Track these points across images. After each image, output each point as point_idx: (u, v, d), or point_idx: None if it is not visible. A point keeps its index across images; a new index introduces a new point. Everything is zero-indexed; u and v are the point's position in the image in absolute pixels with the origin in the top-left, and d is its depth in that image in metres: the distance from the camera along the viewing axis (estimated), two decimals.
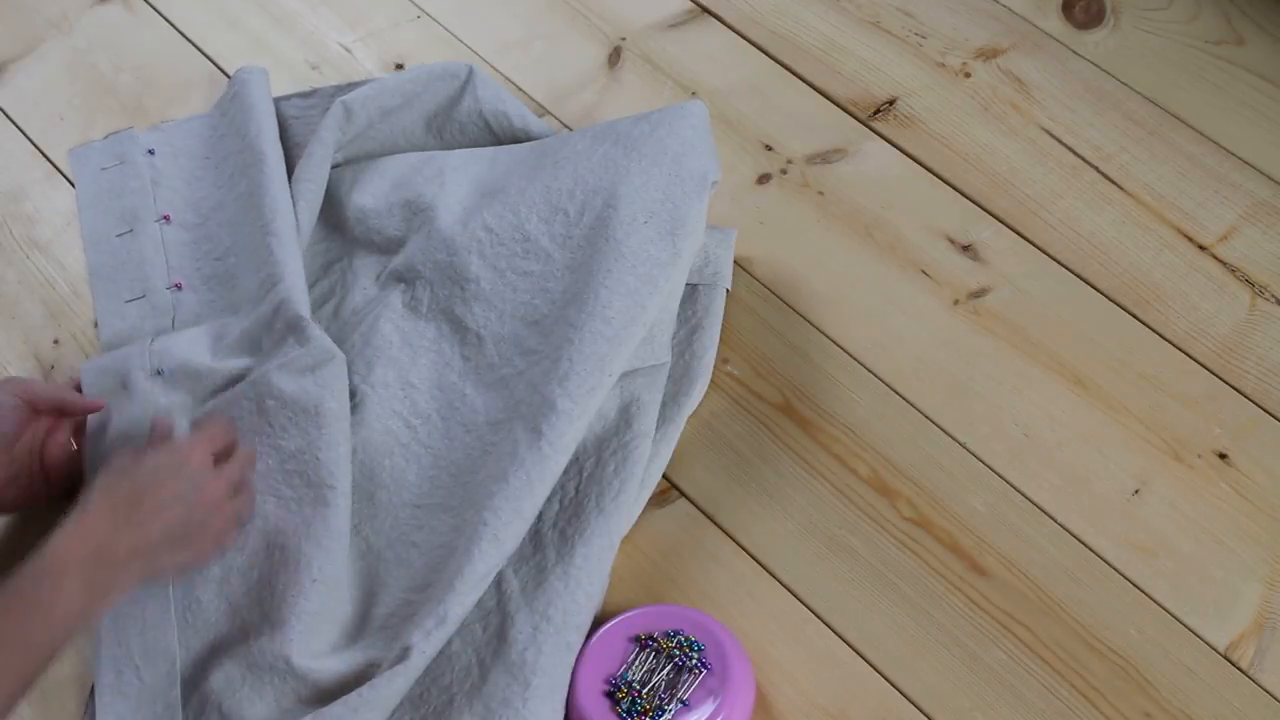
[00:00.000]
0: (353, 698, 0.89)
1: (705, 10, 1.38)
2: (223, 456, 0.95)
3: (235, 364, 1.04)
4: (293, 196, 1.15)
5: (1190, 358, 1.10)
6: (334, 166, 1.21)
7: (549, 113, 1.30)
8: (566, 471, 1.02)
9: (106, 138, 1.28)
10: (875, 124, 1.28)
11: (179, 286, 1.16)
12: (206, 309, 1.14)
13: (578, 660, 0.94)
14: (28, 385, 0.97)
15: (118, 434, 1.01)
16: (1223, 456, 1.05)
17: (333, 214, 1.20)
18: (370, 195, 1.18)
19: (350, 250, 1.18)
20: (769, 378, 1.10)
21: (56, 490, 0.98)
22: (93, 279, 1.17)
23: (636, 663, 0.93)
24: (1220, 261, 1.17)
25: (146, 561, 0.88)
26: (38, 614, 0.81)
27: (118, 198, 1.23)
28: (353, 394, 1.06)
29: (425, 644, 0.91)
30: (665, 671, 0.93)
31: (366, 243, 1.18)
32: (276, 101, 1.26)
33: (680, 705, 0.91)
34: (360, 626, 0.96)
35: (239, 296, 1.13)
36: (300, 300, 1.06)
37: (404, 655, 0.90)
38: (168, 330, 1.12)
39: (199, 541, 0.91)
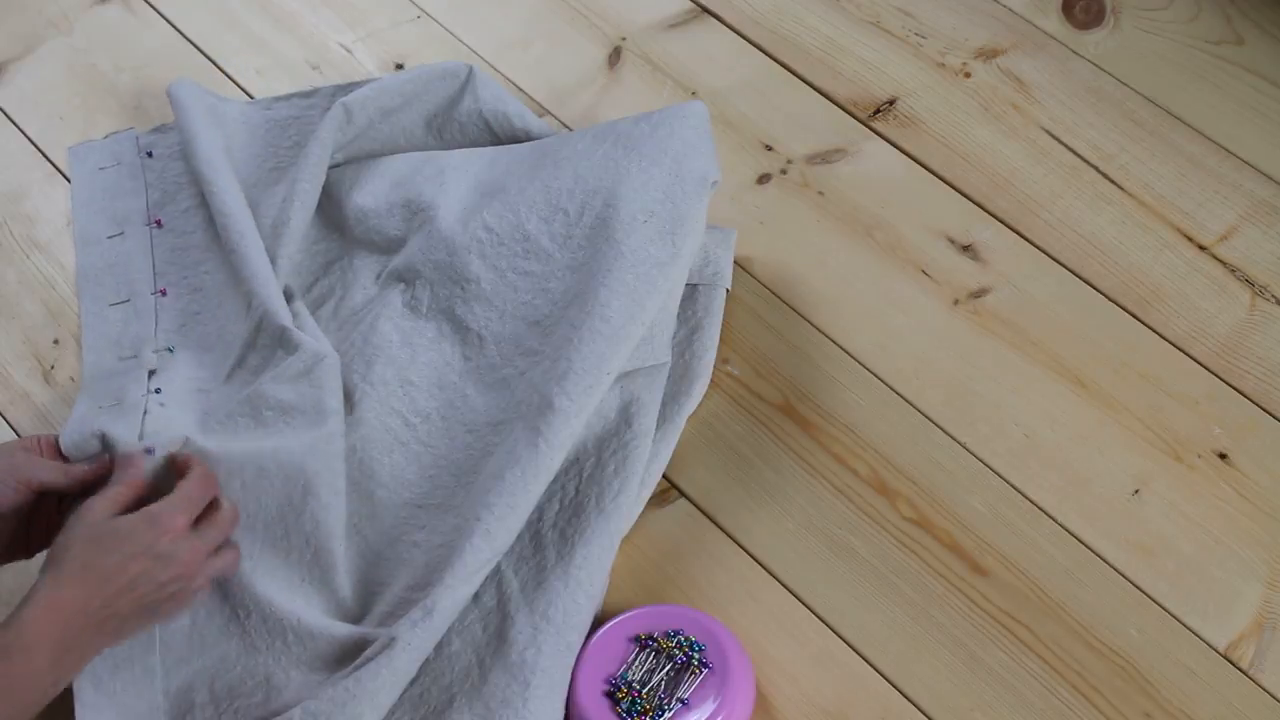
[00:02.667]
0: (340, 691, 0.88)
1: (705, 10, 1.38)
2: (205, 514, 0.93)
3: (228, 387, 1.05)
4: (289, 196, 1.15)
5: (1190, 358, 1.10)
6: (334, 166, 1.21)
7: (549, 113, 1.30)
8: (567, 472, 1.02)
9: (106, 137, 1.28)
10: (875, 124, 1.28)
11: (163, 293, 1.15)
12: (190, 319, 1.14)
13: (578, 660, 0.94)
14: (32, 470, 0.93)
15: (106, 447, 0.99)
16: (1223, 456, 1.05)
17: (333, 213, 1.20)
18: (370, 195, 1.18)
19: (350, 250, 1.18)
20: (769, 378, 1.10)
21: (37, 546, 0.96)
22: (80, 280, 1.17)
23: (636, 663, 0.93)
24: (1220, 261, 1.17)
25: (115, 632, 0.87)
26: (4, 691, 0.81)
27: (112, 199, 1.23)
28: (352, 392, 1.06)
29: (411, 635, 0.90)
30: (665, 671, 0.93)
31: (366, 242, 1.18)
32: (276, 102, 1.26)
33: (680, 705, 0.91)
34: (360, 621, 0.96)
35: (223, 313, 1.13)
36: (280, 311, 1.07)
37: (389, 645, 0.90)
38: (149, 339, 1.12)
39: (170, 607, 0.90)
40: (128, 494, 0.91)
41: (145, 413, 1.02)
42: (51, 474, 0.94)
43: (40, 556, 1.00)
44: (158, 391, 1.04)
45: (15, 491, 0.92)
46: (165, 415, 1.02)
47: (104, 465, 0.96)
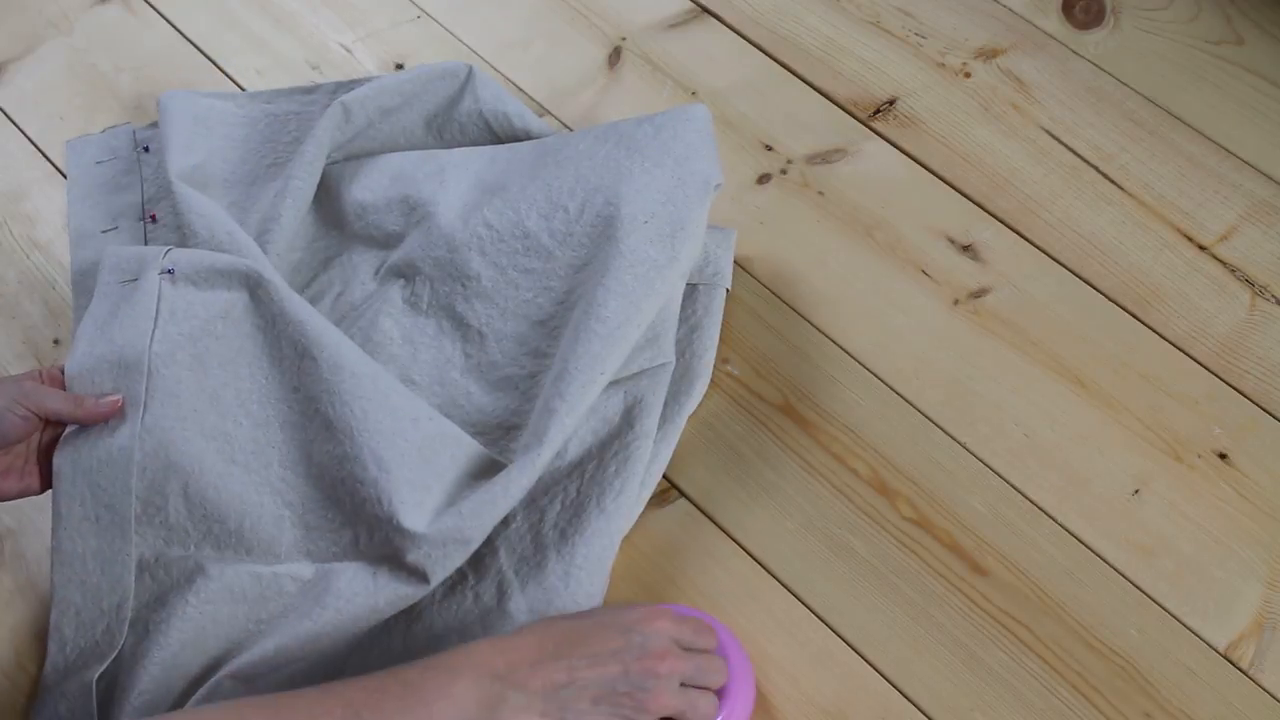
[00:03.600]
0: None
1: (705, 10, 1.38)
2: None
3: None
4: (282, 192, 1.15)
5: (1190, 358, 1.10)
6: (333, 163, 1.21)
7: (549, 113, 1.30)
8: (569, 474, 1.02)
9: (104, 131, 1.28)
10: (875, 124, 1.28)
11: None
12: None
13: None
14: (40, 398, 0.94)
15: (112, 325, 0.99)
16: (1223, 456, 1.05)
17: (331, 209, 1.20)
18: (369, 190, 1.19)
19: (348, 245, 1.18)
20: (769, 378, 1.10)
21: (47, 483, 0.96)
22: (74, 275, 1.17)
23: None
24: (1220, 261, 1.17)
25: (560, 701, 0.79)
26: (414, 704, 0.76)
27: (108, 194, 1.23)
28: None
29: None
30: None
31: (365, 237, 1.18)
32: (277, 96, 1.26)
33: None
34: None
35: None
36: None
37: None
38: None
39: (625, 706, 0.81)
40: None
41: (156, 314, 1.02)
42: (62, 403, 0.94)
43: (39, 553, 1.01)
44: (169, 272, 1.03)
45: (24, 420, 0.92)
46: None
47: (116, 403, 0.95)
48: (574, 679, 0.80)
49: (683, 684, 0.85)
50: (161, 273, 1.01)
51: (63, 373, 0.97)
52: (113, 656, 0.93)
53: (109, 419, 0.96)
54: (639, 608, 0.87)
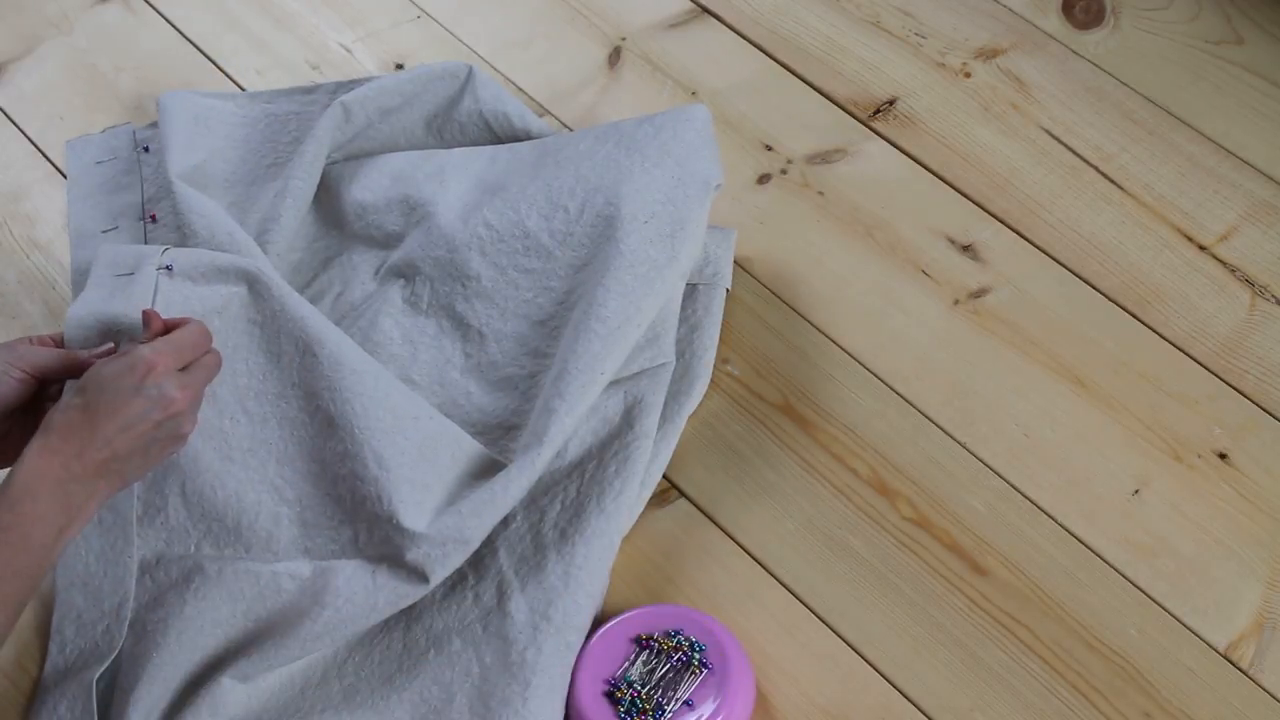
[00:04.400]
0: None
1: (705, 10, 1.38)
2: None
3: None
4: (282, 192, 1.15)
5: (1190, 358, 1.10)
6: (333, 163, 1.21)
7: (549, 113, 1.30)
8: (569, 474, 1.02)
9: (104, 131, 1.28)
10: (875, 124, 1.28)
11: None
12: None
13: (578, 660, 0.94)
14: (33, 357, 0.94)
15: (107, 318, 0.99)
16: (1223, 456, 1.05)
17: (331, 209, 1.20)
18: (369, 190, 1.19)
19: (348, 245, 1.18)
20: (769, 378, 1.10)
21: None
22: (74, 275, 1.17)
23: (636, 663, 0.93)
24: (1220, 261, 1.17)
25: (117, 474, 0.87)
26: (15, 539, 0.82)
27: (108, 194, 1.23)
28: None
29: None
30: (665, 672, 0.93)
31: (365, 237, 1.18)
32: (277, 95, 1.26)
33: (680, 705, 0.91)
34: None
35: None
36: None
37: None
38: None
39: (165, 446, 0.90)
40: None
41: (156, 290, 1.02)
42: (54, 359, 0.95)
43: None
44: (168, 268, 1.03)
45: (19, 381, 0.93)
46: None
47: (108, 349, 0.96)
48: (115, 452, 0.87)
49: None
50: (160, 268, 1.01)
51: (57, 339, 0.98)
52: (112, 657, 0.93)
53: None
54: (139, 357, 0.89)
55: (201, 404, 0.94)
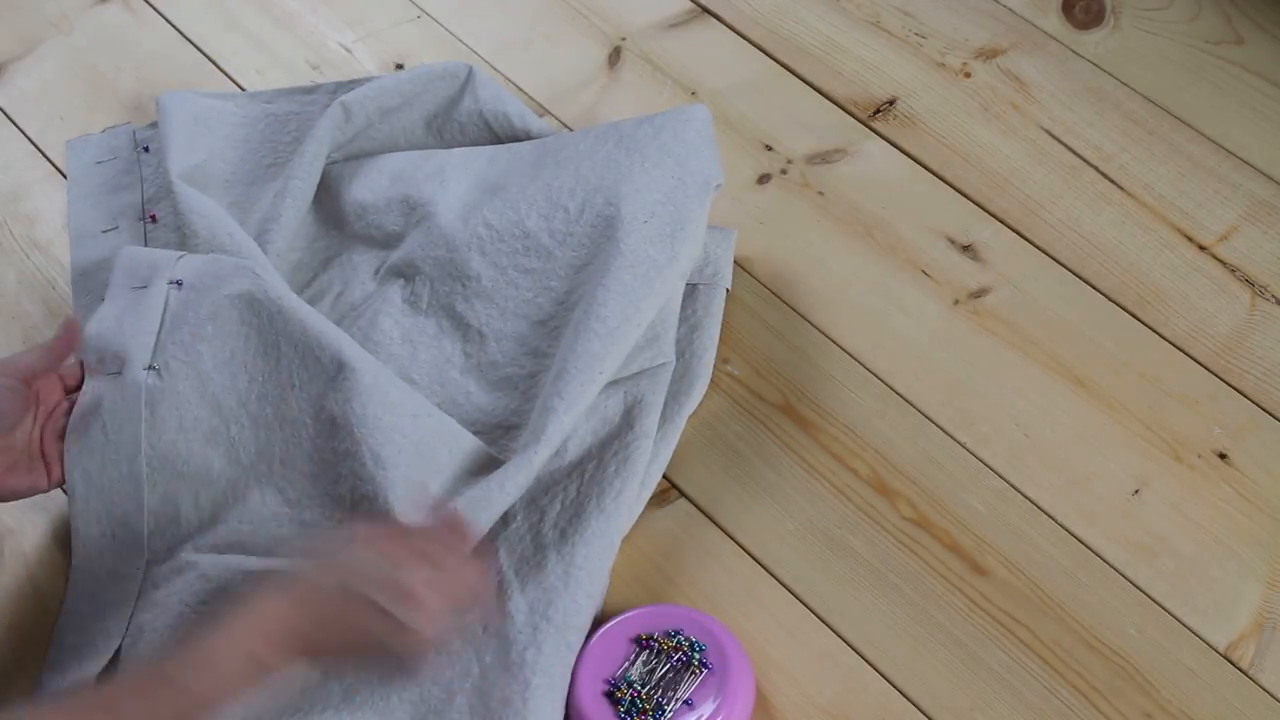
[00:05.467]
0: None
1: (705, 10, 1.38)
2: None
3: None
4: (282, 192, 1.15)
5: (1190, 358, 1.10)
6: (333, 163, 1.21)
7: (549, 113, 1.30)
8: (569, 474, 1.02)
9: (104, 131, 1.28)
10: (875, 124, 1.28)
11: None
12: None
13: (578, 660, 0.94)
14: (14, 362, 0.94)
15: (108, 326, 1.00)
16: (1223, 456, 1.05)
17: (331, 208, 1.20)
18: (369, 190, 1.19)
19: (348, 245, 1.18)
20: (769, 378, 1.10)
21: (56, 477, 0.97)
22: (74, 274, 1.17)
23: (636, 663, 0.93)
24: (1220, 261, 1.17)
25: (313, 659, 0.83)
26: (176, 694, 0.77)
27: (108, 194, 1.23)
28: None
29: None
30: (665, 671, 0.93)
31: (365, 237, 1.18)
32: (278, 95, 1.26)
33: (680, 705, 0.91)
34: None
35: None
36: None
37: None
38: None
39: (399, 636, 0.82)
40: (398, 550, 0.85)
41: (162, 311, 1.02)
42: (36, 357, 0.95)
43: (38, 552, 1.01)
44: (155, 370, 1.04)
45: (13, 390, 0.93)
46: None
47: (70, 322, 0.97)
48: (329, 647, 0.82)
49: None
50: (171, 283, 1.02)
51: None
52: (110, 656, 0.93)
53: (74, 344, 0.97)
54: (397, 581, 0.83)
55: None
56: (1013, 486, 1.03)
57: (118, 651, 0.94)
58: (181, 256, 1.04)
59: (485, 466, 1.00)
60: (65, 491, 0.98)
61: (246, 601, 0.81)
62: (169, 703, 0.76)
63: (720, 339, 1.11)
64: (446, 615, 0.84)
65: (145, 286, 1.03)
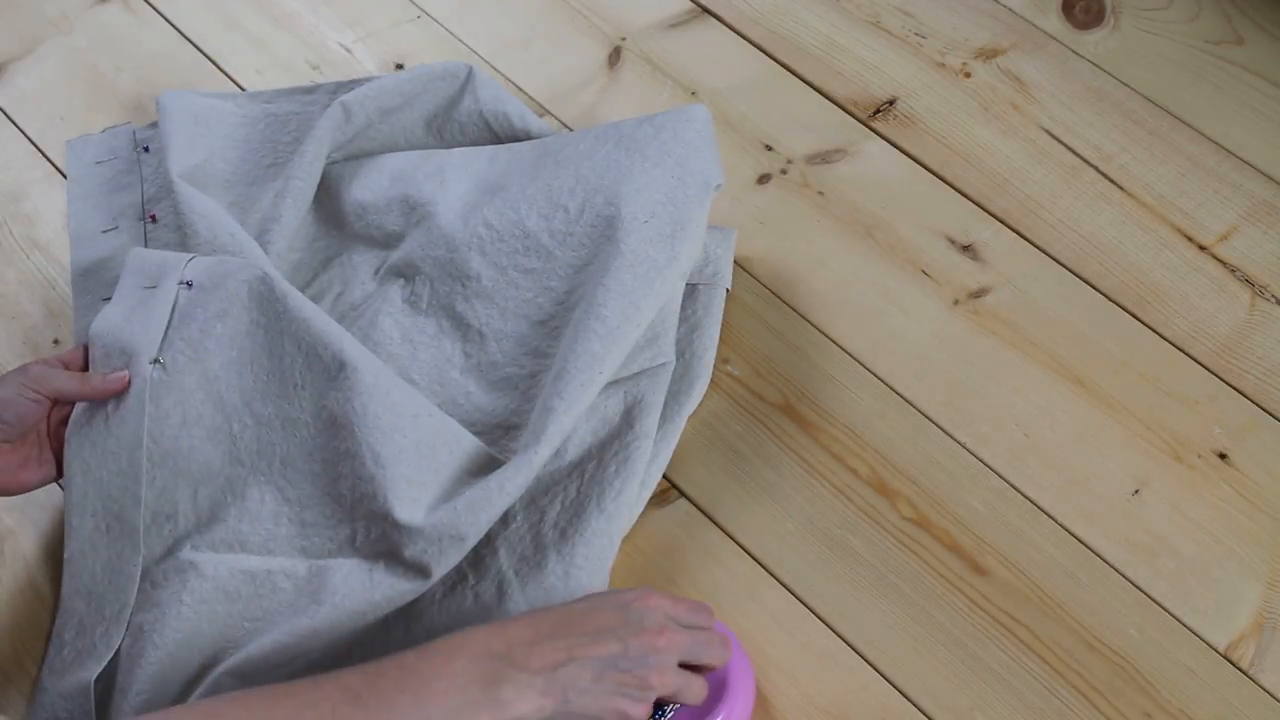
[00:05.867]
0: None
1: (705, 10, 1.38)
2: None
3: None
4: (282, 192, 1.15)
5: (1190, 358, 1.10)
6: (333, 163, 1.21)
7: (549, 113, 1.30)
8: (569, 474, 1.02)
9: (104, 131, 1.28)
10: (875, 124, 1.28)
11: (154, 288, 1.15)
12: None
13: None
14: (48, 379, 0.95)
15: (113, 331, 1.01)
16: (1223, 456, 1.05)
17: (331, 209, 1.20)
18: (369, 189, 1.19)
19: (348, 245, 1.18)
20: (769, 378, 1.10)
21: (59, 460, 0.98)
22: (74, 274, 1.18)
23: None
24: (1220, 261, 1.17)
25: (562, 681, 0.78)
26: (413, 685, 0.75)
27: (108, 194, 1.23)
28: None
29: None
30: None
31: (365, 237, 1.18)
32: (278, 95, 1.26)
33: (680, 705, 0.91)
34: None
35: None
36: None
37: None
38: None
39: (621, 689, 0.80)
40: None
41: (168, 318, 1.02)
42: (69, 382, 0.95)
43: (38, 554, 1.01)
44: (161, 364, 1.04)
45: (36, 403, 0.93)
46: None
47: (123, 379, 0.96)
48: (573, 657, 0.79)
49: (681, 662, 0.84)
50: (180, 283, 1.02)
51: (74, 358, 0.99)
52: (109, 657, 0.93)
53: (116, 394, 0.97)
54: (634, 589, 0.87)
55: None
56: (1013, 486, 1.03)
57: (117, 652, 0.94)
58: (192, 258, 1.04)
59: (485, 466, 1.00)
60: (61, 487, 0.98)
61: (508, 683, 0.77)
62: (397, 692, 0.74)
63: (720, 339, 1.11)
64: (680, 636, 0.82)
65: (155, 287, 1.03)
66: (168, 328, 1.00)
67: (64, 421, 0.98)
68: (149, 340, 1.00)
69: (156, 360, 0.99)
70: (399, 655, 0.79)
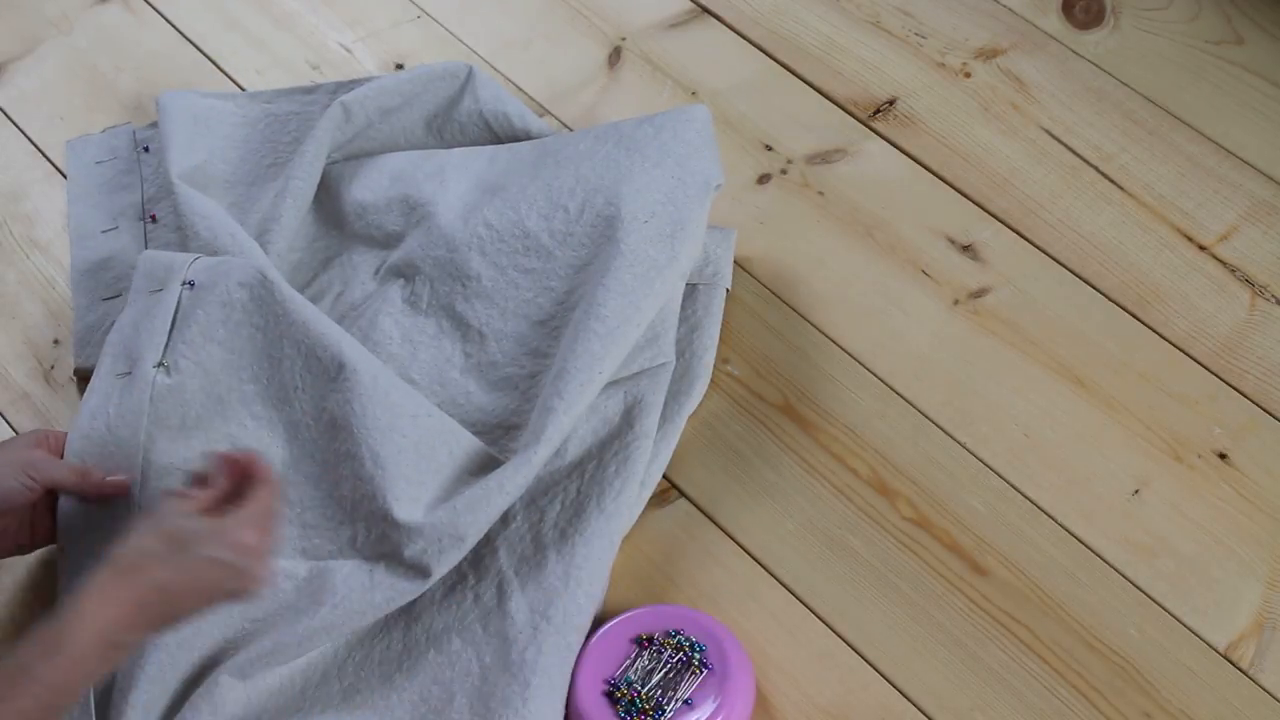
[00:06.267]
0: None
1: (705, 10, 1.38)
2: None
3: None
4: (282, 192, 1.15)
5: (1190, 358, 1.10)
6: (333, 163, 1.21)
7: (549, 113, 1.30)
8: (569, 474, 1.02)
9: (104, 131, 1.28)
10: (875, 124, 1.28)
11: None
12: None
13: (578, 660, 0.94)
14: (48, 470, 0.94)
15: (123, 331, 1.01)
16: (1223, 456, 1.05)
17: (331, 208, 1.20)
18: (369, 190, 1.19)
19: (348, 245, 1.18)
20: (769, 378, 1.10)
21: (41, 541, 0.97)
22: (74, 274, 1.18)
23: (636, 663, 0.93)
24: (1220, 261, 1.17)
25: (171, 624, 0.85)
26: (39, 690, 0.78)
27: (108, 194, 1.23)
28: None
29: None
30: (665, 672, 0.93)
31: (365, 237, 1.18)
32: (278, 95, 1.26)
33: (680, 705, 0.91)
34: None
35: None
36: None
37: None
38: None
39: (222, 601, 0.87)
40: (205, 501, 0.89)
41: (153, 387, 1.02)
42: (69, 475, 0.95)
43: (39, 553, 1.01)
44: (165, 367, 1.04)
45: (27, 489, 0.93)
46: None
47: (123, 485, 0.96)
48: (180, 610, 0.84)
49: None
50: (184, 284, 1.03)
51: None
52: None
53: (111, 496, 0.96)
54: (229, 531, 0.86)
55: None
56: (1013, 486, 1.03)
57: None
58: (196, 258, 1.05)
59: (485, 466, 1.00)
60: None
61: (86, 587, 0.81)
62: (30, 695, 0.77)
63: (720, 339, 1.11)
64: (269, 545, 0.87)
65: (161, 289, 1.04)
66: (171, 331, 1.01)
67: (51, 508, 0.96)
68: (154, 345, 1.00)
69: (160, 364, 0.99)
70: (18, 659, 0.80)
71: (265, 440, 0.99)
